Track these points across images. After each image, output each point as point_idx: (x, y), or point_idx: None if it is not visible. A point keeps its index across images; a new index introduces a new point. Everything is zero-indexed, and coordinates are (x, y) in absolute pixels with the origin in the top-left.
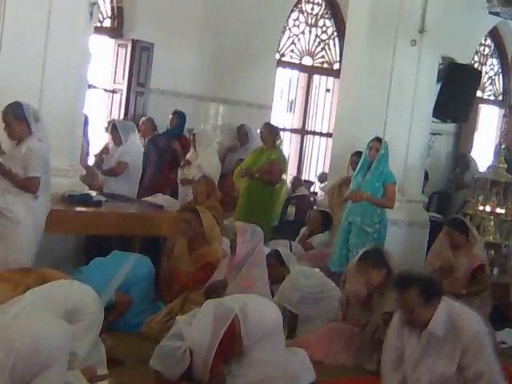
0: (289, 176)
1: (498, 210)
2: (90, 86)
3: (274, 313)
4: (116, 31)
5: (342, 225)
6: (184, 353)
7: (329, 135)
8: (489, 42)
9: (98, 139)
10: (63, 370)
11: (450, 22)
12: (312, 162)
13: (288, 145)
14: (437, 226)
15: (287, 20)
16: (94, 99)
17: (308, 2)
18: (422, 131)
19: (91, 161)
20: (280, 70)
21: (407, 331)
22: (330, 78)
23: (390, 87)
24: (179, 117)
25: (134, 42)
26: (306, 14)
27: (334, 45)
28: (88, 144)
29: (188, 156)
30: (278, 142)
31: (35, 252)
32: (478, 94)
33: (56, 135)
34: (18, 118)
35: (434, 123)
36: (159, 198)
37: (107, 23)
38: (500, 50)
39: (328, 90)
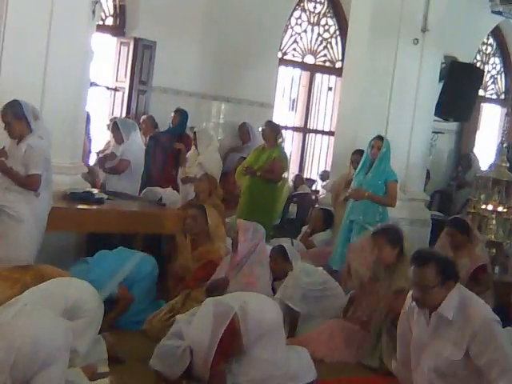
0: (291, 174)
1: (500, 209)
2: (92, 84)
3: (274, 311)
4: (118, 29)
5: (344, 223)
6: (184, 352)
7: (331, 133)
8: (491, 40)
9: (100, 137)
10: (64, 368)
11: (453, 21)
12: (314, 161)
13: (290, 143)
14: (438, 225)
15: (289, 18)
16: (96, 97)
17: (310, 1)
18: (424, 130)
19: (93, 159)
20: (282, 68)
21: (417, 313)
22: (332, 77)
23: (392, 86)
24: (181, 115)
25: (136, 40)
26: (308, 13)
27: (337, 43)
28: (90, 142)
29: (189, 154)
30: (280, 140)
31: (37, 249)
32: (481, 92)
33: (58, 133)
34: (18, 117)
35: (436, 122)
36: (169, 191)
37: (109, 21)
38: (502, 49)
39: (330, 89)
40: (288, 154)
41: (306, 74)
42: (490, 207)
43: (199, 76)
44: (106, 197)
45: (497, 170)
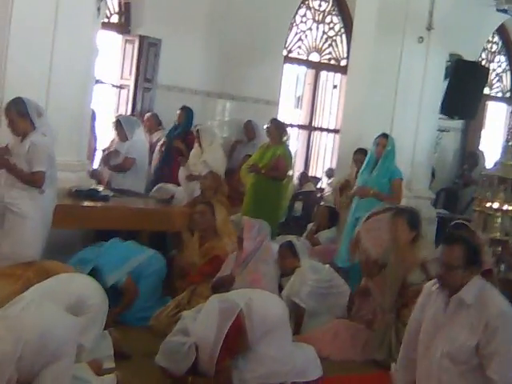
0: (296, 172)
1: (506, 207)
2: (97, 82)
3: (279, 308)
4: (123, 27)
5: (349, 221)
6: (189, 348)
7: (336, 131)
8: (496, 39)
9: (106, 134)
10: (71, 363)
11: (458, 19)
12: (319, 158)
13: (295, 141)
14: (444, 223)
15: (294, 16)
16: (101, 95)
17: None
18: (430, 128)
19: (98, 156)
20: (287, 66)
21: (436, 295)
22: (338, 75)
23: (398, 84)
24: (187, 113)
25: (142, 38)
26: (313, 11)
27: (342, 41)
28: (95, 139)
29: (192, 152)
30: (285, 138)
31: (42, 246)
32: (486, 90)
33: (63, 130)
34: (21, 114)
35: (441, 120)
36: (181, 189)
37: (115, 19)
38: (507, 47)
39: (335, 87)
40: (293, 152)
41: (311, 72)
42: (495, 205)
43: (204, 74)
44: (111, 194)
45: (502, 168)
